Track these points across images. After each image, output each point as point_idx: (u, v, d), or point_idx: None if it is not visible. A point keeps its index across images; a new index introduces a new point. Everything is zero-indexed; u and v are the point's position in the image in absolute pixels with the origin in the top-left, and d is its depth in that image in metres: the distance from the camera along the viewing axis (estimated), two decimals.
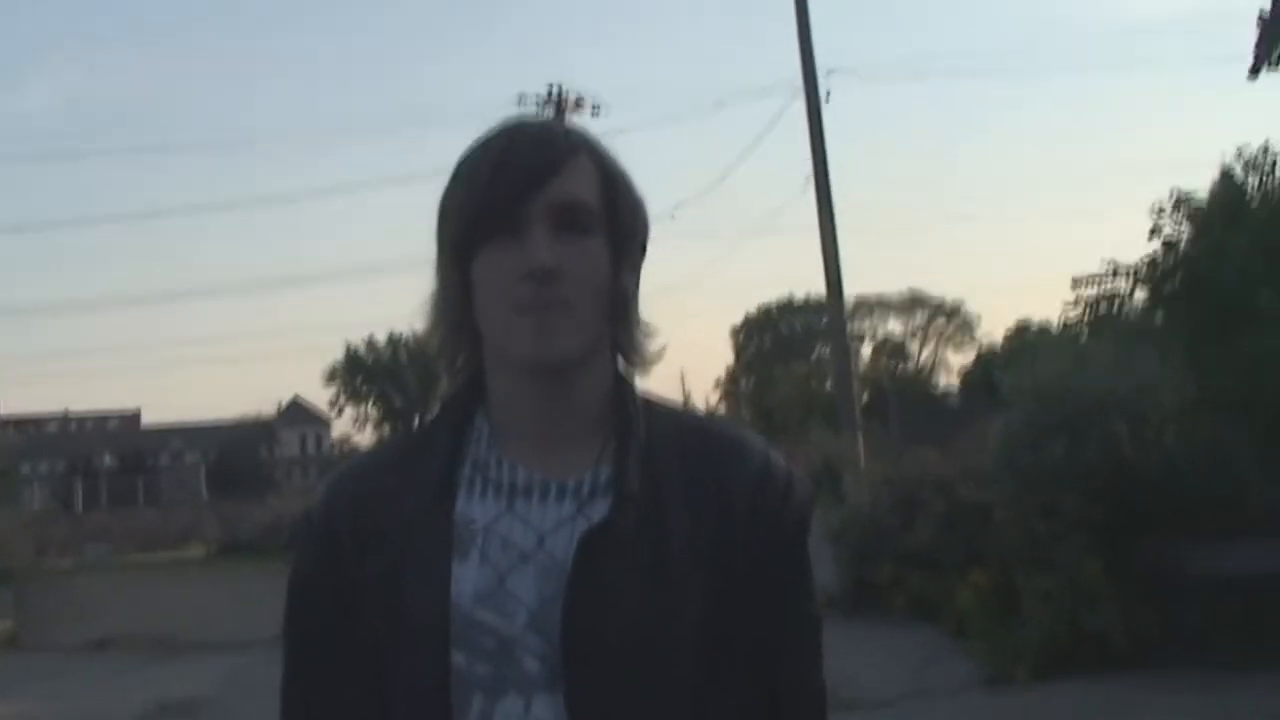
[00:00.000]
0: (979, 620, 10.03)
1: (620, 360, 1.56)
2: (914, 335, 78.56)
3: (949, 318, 76.98)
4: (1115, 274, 10.17)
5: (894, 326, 78.18)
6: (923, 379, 70.19)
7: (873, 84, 58.93)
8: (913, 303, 77.05)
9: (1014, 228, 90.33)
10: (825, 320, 24.73)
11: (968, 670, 9.55)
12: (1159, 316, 9.69)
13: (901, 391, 39.02)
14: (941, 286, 76.82)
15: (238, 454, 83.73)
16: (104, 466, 71.37)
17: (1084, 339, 10.51)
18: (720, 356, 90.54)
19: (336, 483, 1.57)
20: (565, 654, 1.39)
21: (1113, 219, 75.07)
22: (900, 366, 73.82)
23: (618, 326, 1.52)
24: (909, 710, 8.86)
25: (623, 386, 1.53)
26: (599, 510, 1.43)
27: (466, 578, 1.43)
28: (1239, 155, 10.15)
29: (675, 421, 1.55)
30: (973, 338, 74.24)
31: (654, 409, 1.54)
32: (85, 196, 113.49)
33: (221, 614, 15.39)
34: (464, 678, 1.41)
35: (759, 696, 1.48)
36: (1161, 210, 9.65)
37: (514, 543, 1.43)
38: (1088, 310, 10.15)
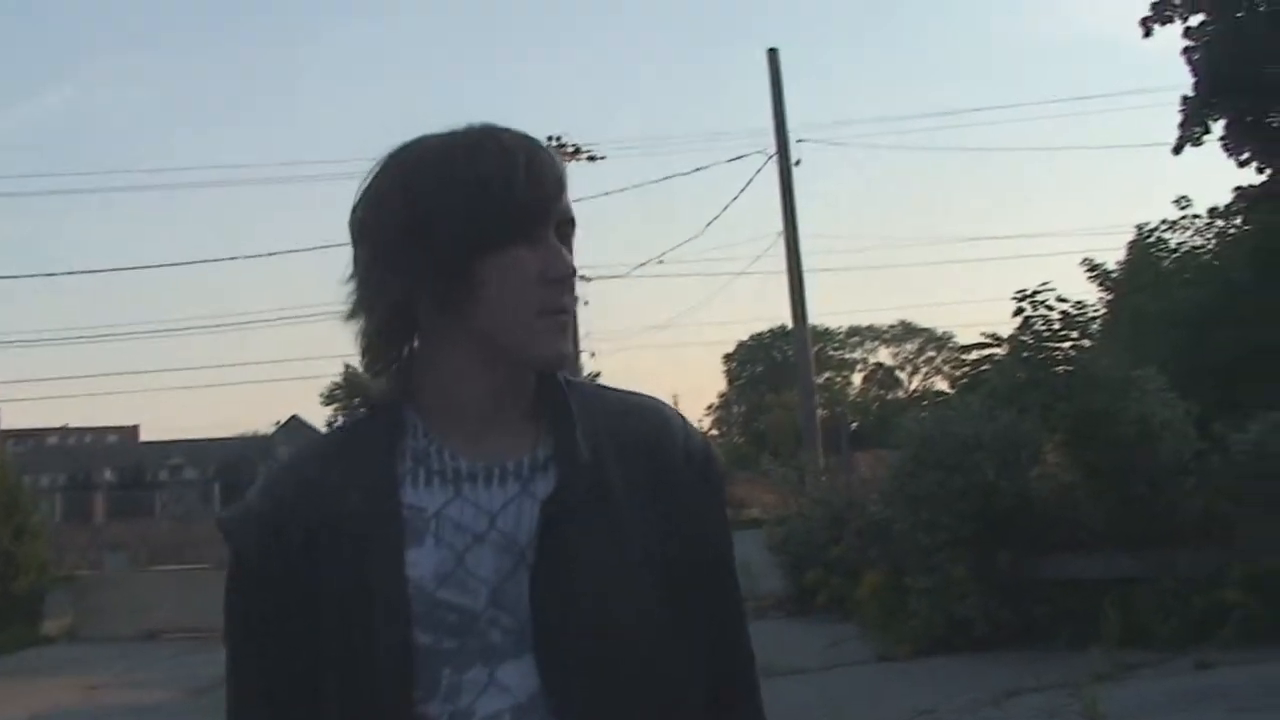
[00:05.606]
0: (874, 612, 12.51)
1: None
2: (904, 365, 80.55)
3: (939, 348, 78.92)
4: (994, 342, 12.69)
5: (885, 356, 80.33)
6: (912, 406, 71.64)
7: (843, 147, 60.98)
8: (905, 333, 78.89)
9: (995, 271, 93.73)
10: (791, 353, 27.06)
11: (865, 650, 11.99)
12: (1020, 378, 12.07)
13: (861, 417, 41.10)
14: (936, 320, 78.83)
15: (238, 469, 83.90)
16: (104, 480, 72.66)
17: (963, 393, 12.94)
18: (713, 384, 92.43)
19: (278, 476, 1.54)
20: (537, 623, 1.40)
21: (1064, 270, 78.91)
22: (889, 394, 75.54)
23: None
24: (818, 678, 11.14)
25: (547, 375, 1.52)
26: (542, 487, 1.45)
27: (424, 561, 1.42)
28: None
29: (598, 395, 1.57)
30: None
31: (575, 387, 1.54)
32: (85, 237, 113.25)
33: None
34: (431, 654, 1.40)
35: (712, 638, 1.54)
36: (1023, 295, 12.14)
37: (465, 525, 1.43)
38: (969, 370, 12.59)
